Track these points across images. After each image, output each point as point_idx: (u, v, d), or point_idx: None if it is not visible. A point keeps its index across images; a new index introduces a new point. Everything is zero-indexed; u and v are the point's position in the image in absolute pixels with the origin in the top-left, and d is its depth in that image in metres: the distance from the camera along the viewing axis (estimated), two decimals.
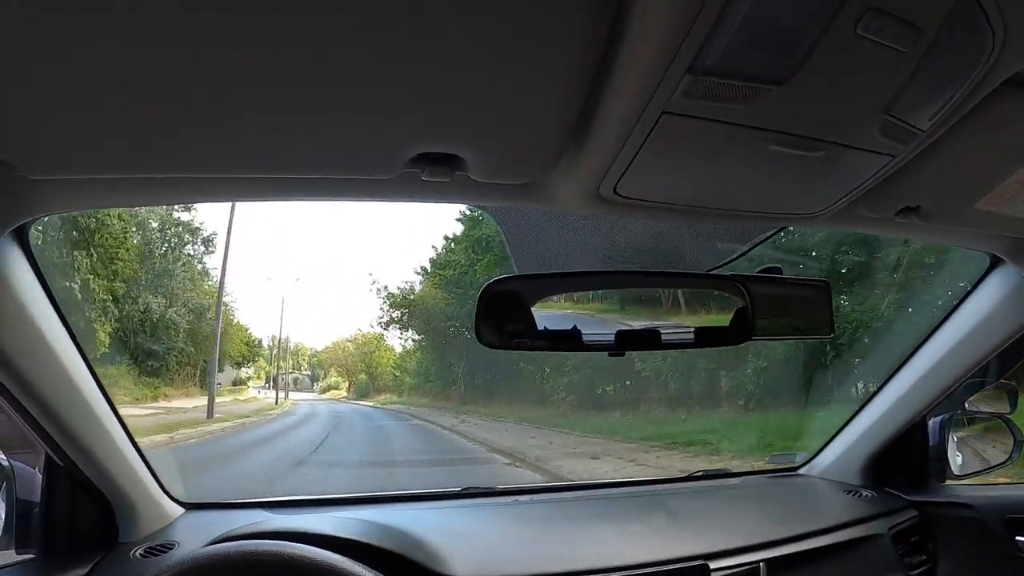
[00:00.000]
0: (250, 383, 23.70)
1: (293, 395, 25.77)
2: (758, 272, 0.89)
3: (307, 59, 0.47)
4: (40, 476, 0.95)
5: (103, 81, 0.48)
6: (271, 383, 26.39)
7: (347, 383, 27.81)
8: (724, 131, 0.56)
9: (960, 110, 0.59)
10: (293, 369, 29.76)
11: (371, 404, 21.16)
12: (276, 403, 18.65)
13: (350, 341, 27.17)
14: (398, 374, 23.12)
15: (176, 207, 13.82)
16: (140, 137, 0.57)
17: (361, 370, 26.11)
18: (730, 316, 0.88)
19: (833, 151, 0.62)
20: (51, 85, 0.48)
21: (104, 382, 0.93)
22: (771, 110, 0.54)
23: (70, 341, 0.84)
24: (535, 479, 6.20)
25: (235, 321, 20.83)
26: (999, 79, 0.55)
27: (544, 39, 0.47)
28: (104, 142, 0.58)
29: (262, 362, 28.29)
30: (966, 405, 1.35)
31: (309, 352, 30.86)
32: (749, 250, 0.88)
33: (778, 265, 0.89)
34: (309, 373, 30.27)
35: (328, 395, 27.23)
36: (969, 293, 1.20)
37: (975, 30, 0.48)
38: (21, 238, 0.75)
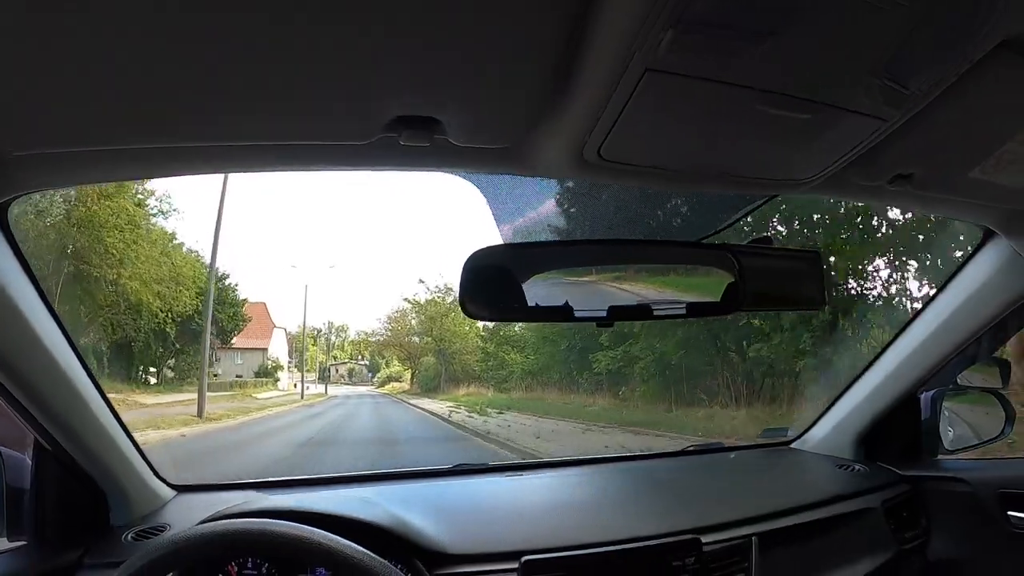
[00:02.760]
0: (279, 373, 18.78)
1: (337, 389, 21.16)
2: (749, 242, 0.89)
3: (279, 23, 0.46)
4: (30, 462, 0.95)
5: (78, 54, 0.47)
6: (323, 375, 23.18)
7: (409, 372, 20.20)
8: (710, 89, 0.55)
9: (954, 73, 0.58)
10: (350, 359, 25.41)
11: (440, 410, 11.07)
12: (201, 415, 9.56)
13: (410, 303, 17.40)
14: (491, 348, 13.43)
15: None
16: (115, 109, 0.56)
17: (426, 349, 17.22)
18: (724, 285, 0.87)
19: (823, 113, 0.61)
20: (25, 59, 0.47)
21: None
22: (758, 67, 0.53)
23: (53, 322, 0.83)
24: None
25: (179, 244, 11.14)
26: (994, 41, 0.54)
27: None
28: (79, 116, 0.57)
29: (315, 350, 24.07)
30: (958, 379, 1.36)
31: (361, 336, 24.50)
32: (740, 218, 0.87)
33: (768, 235, 0.88)
34: (367, 363, 24.93)
35: (386, 388, 21.56)
36: (962, 266, 1.20)
37: None
38: (0, 217, 0.74)
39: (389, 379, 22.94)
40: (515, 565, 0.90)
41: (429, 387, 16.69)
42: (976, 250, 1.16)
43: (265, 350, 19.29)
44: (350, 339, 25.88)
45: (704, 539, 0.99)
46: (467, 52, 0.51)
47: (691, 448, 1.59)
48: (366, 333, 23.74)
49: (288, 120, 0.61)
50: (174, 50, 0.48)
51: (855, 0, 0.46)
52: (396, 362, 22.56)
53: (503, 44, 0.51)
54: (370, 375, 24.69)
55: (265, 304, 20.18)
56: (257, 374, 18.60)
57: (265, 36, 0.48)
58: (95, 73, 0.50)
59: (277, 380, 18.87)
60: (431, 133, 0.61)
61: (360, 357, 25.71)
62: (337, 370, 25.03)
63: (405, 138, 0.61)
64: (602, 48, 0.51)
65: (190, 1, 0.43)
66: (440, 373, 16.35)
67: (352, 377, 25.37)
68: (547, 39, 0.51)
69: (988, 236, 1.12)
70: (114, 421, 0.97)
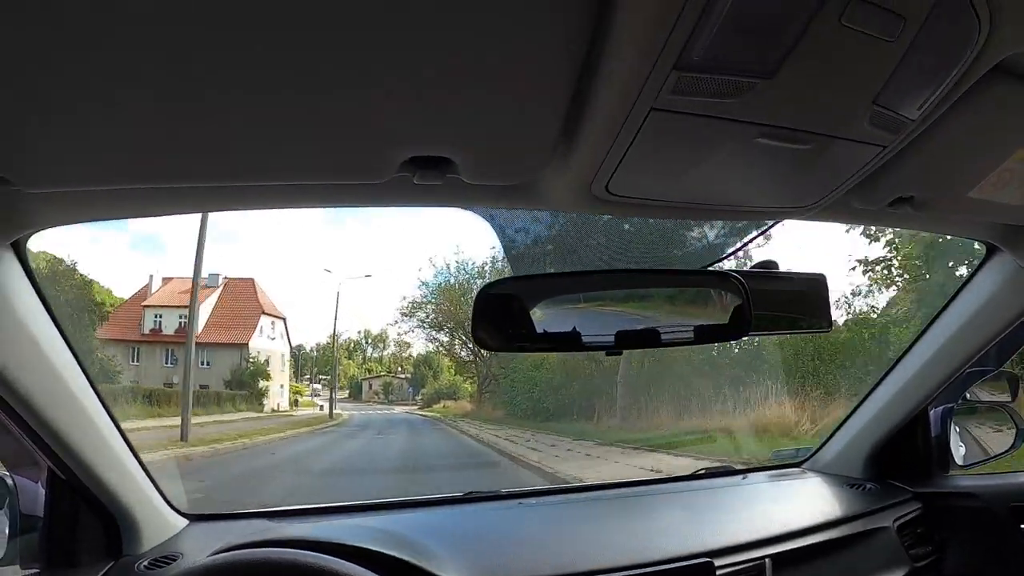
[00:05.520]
0: (266, 383, 13.44)
1: (360, 411, 15.29)
2: (753, 267, 0.90)
3: (298, 68, 0.48)
4: (43, 491, 0.95)
5: (95, 95, 0.49)
6: (357, 391, 19.20)
7: (474, 383, 13.46)
8: (713, 126, 0.57)
9: (949, 98, 0.59)
10: (387, 372, 20.78)
11: None
12: None
13: None
14: None
15: None
16: (132, 149, 0.58)
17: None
18: (732, 310, 0.88)
19: (823, 143, 0.62)
20: (45, 100, 0.49)
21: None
22: (759, 104, 0.54)
23: (69, 354, 0.85)
24: None
25: None
26: (987, 66, 0.56)
27: (530, 40, 0.47)
28: (97, 155, 0.58)
29: (351, 365, 20.32)
30: (967, 395, 1.36)
31: (400, 340, 19.92)
32: (744, 245, 0.88)
33: (774, 260, 0.90)
34: (408, 376, 19.66)
35: (436, 410, 14.96)
36: (967, 282, 1.20)
37: (961, 18, 0.49)
38: (18, 252, 0.76)
39: (438, 396, 15.99)
40: None
41: (544, 414, 7.63)
42: (980, 265, 1.16)
43: (244, 347, 13.24)
44: (389, 351, 20.61)
45: (717, 562, 0.99)
46: (478, 96, 0.53)
47: (702, 472, 1.58)
48: (406, 302, 15.06)
49: (304, 161, 0.62)
50: (191, 93, 0.49)
51: (848, 34, 0.47)
52: (447, 368, 15.30)
53: (513, 87, 0.52)
54: (411, 391, 18.81)
55: (254, 281, 14.61)
56: (229, 384, 12.24)
57: (281, 82, 0.49)
58: (113, 115, 0.51)
59: (262, 395, 12.52)
60: (444, 172, 0.63)
61: (399, 370, 20.43)
62: (371, 385, 20.75)
63: (419, 178, 0.63)
64: (609, 90, 0.53)
65: (205, 44, 0.44)
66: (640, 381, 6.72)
67: (389, 394, 19.97)
68: (556, 82, 0.52)
69: (992, 251, 1.12)
70: (127, 450, 0.98)
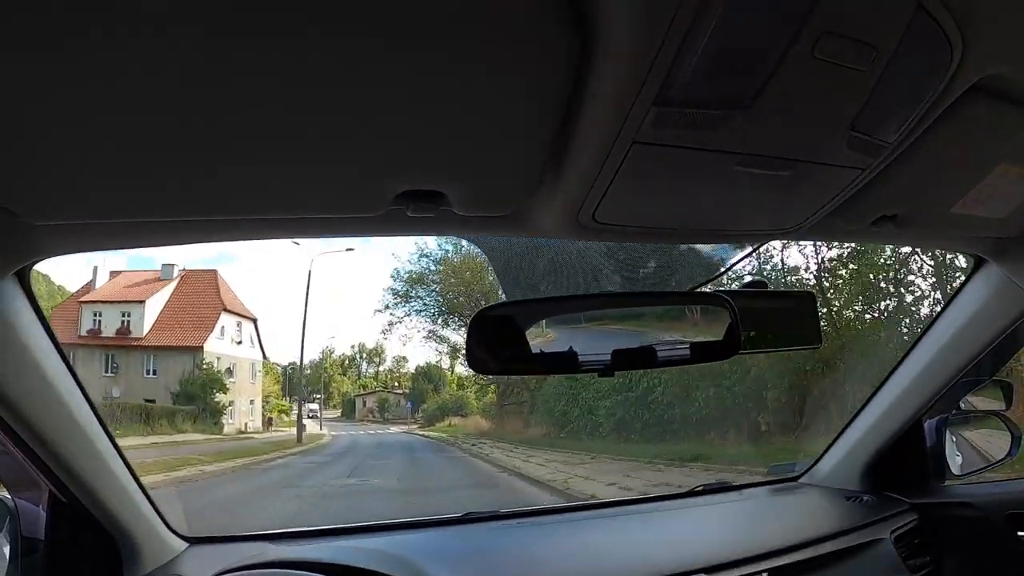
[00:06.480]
0: (227, 396, 10.71)
1: (347, 431, 13.82)
2: (742, 287, 0.91)
3: (295, 107, 0.50)
4: (44, 513, 0.96)
5: (99, 130, 0.50)
6: (349, 409, 17.85)
7: (494, 394, 10.99)
8: (694, 156, 0.59)
9: (926, 120, 0.61)
10: (383, 388, 19.18)
11: None
12: None
13: None
14: None
15: None
16: (134, 183, 0.59)
17: None
18: (722, 330, 0.90)
19: (803, 168, 0.64)
20: (48, 134, 0.50)
21: None
22: (738, 134, 0.56)
23: (71, 379, 0.86)
24: None
25: None
26: (962, 88, 0.57)
27: (516, 79, 0.49)
28: (100, 189, 0.60)
29: (345, 381, 19.06)
30: (961, 404, 1.37)
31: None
32: (731, 267, 0.90)
33: (762, 279, 0.91)
34: (405, 391, 18.08)
35: (441, 428, 13.07)
36: (956, 294, 1.22)
37: (933, 44, 0.50)
38: (22, 280, 0.77)
39: (442, 412, 14.12)
40: None
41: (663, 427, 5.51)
42: (969, 277, 1.18)
43: (199, 350, 10.80)
44: (386, 367, 18.92)
45: None
46: (467, 134, 0.55)
47: (699, 488, 1.58)
48: (400, 280, 12.22)
49: (302, 196, 0.64)
50: (192, 130, 0.51)
51: (821, 65, 0.49)
52: (451, 381, 13.76)
53: (500, 125, 0.54)
54: (410, 407, 17.14)
55: (216, 273, 12.40)
56: (176, 398, 9.97)
57: (279, 122, 0.51)
58: (114, 151, 0.53)
59: (219, 411, 10.06)
60: (436, 205, 0.65)
61: (396, 385, 18.78)
62: (365, 403, 19.33)
63: (412, 210, 0.65)
64: (592, 125, 0.55)
65: (206, 82, 0.46)
66: None
67: (385, 411, 18.32)
68: (541, 119, 0.54)
69: (979, 263, 1.14)
70: (128, 474, 0.99)
